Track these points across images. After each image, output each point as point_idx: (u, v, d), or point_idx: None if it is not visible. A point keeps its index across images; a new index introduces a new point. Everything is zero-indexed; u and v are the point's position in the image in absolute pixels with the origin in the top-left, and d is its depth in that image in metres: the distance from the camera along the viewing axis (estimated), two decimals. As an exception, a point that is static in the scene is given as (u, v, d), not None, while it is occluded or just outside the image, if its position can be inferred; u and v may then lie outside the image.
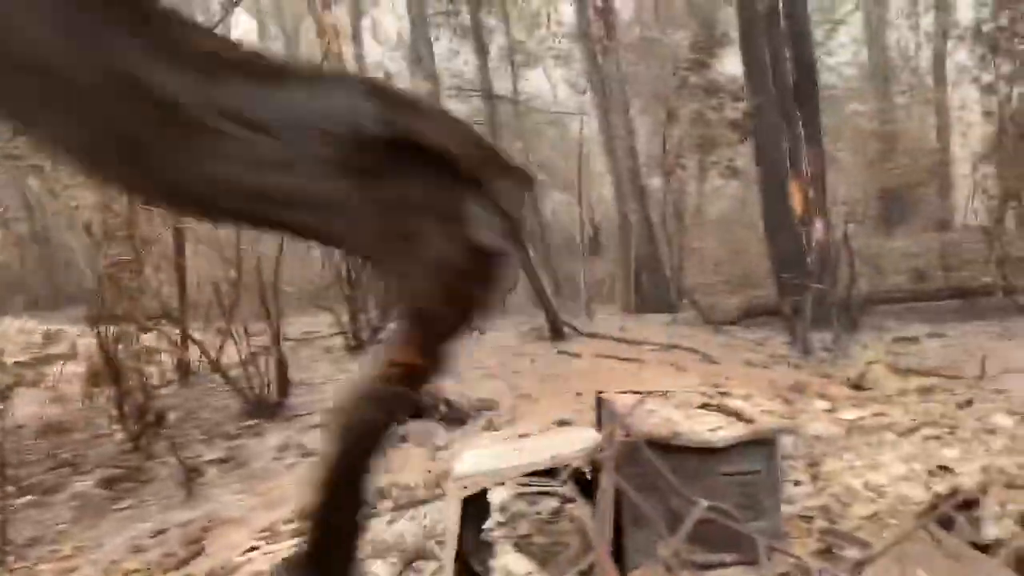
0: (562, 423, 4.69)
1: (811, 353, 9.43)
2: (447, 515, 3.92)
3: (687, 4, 15.45)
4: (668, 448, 3.96)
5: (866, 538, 3.82)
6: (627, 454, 3.95)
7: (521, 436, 4.39)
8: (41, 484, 6.54)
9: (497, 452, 3.98)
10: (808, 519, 4.33)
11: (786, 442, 5.46)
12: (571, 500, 4.13)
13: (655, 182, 15.30)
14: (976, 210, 12.52)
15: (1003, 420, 5.57)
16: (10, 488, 6.45)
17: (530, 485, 5.25)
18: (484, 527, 4.78)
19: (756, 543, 3.67)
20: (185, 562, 5.24)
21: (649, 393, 4.77)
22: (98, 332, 6.29)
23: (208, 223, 8.70)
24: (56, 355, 9.33)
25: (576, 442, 4.09)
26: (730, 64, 13.25)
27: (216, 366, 7.56)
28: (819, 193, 11.11)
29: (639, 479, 3.91)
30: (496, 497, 5.18)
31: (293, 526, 5.28)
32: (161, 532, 5.64)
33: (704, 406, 4.49)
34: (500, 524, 5.02)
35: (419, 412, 7.35)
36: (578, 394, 7.11)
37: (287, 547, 5.05)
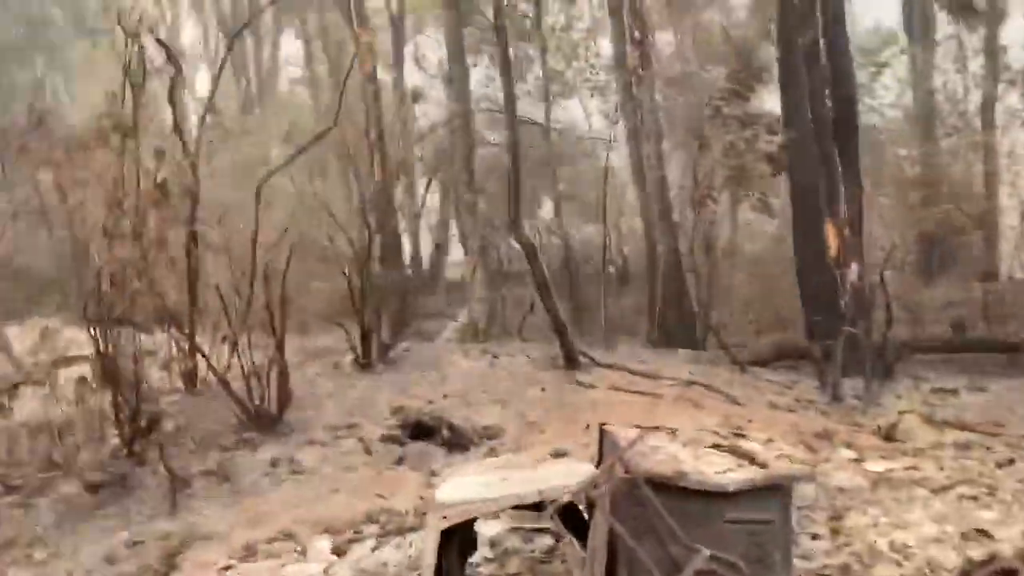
0: (558, 454, 4.36)
1: (841, 400, 8.95)
2: (425, 546, 3.60)
3: (727, 40, 15.19)
4: (670, 489, 3.60)
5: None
6: (625, 492, 3.60)
7: (512, 466, 4.05)
8: (28, 484, 6.34)
9: (484, 480, 3.65)
10: (824, 579, 3.94)
11: (806, 491, 5.06)
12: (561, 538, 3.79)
13: (686, 215, 14.96)
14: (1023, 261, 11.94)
15: (1047, 483, 5.10)
16: (-4, 487, 6.30)
17: (525, 519, 4.92)
18: (469, 561, 4.45)
19: (761, 602, 3.31)
20: (158, 576, 4.99)
21: (656, 428, 4.42)
22: (94, 332, 6.10)
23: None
24: (75, 356, 9.22)
25: (570, 475, 3.75)
26: (768, 99, 12.97)
27: (218, 375, 7.34)
28: (856, 234, 10.67)
29: (636, 521, 3.55)
30: (487, 530, 4.86)
31: (271, 546, 5.00)
32: (139, 543, 5.38)
33: (715, 446, 4.12)
34: (488, 560, 4.69)
35: (421, 434, 7.06)
36: (587, 426, 6.74)
37: (262, 568, 4.77)
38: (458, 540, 3.86)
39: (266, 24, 27.46)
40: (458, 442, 6.77)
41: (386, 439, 6.83)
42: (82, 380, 6.25)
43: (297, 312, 10.79)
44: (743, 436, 4.49)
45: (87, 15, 23.45)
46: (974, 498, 4.87)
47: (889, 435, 7.22)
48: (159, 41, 7.48)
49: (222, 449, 6.74)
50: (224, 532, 5.32)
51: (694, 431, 4.49)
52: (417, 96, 14.78)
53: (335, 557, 4.74)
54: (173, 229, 6.66)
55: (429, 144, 17.81)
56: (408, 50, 23.52)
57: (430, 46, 24.02)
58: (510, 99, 10.21)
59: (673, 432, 4.37)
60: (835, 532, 4.54)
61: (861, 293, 10.74)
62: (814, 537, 4.47)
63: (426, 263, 22.70)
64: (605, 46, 19.90)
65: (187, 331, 7.49)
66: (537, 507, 3.56)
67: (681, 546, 3.49)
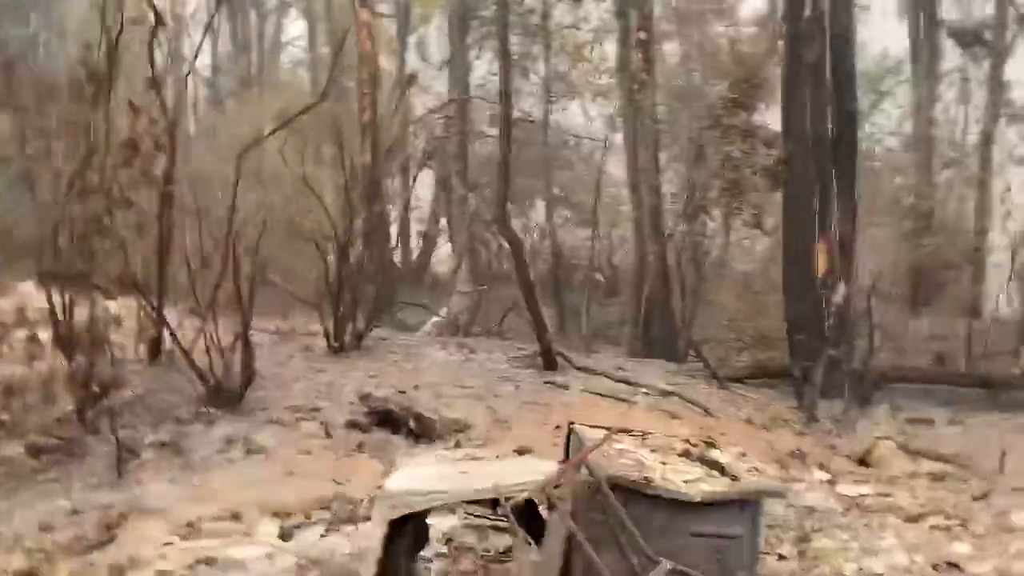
0: (522, 451, 4.15)
1: (817, 421, 8.80)
2: (371, 536, 3.39)
3: (733, 50, 15.04)
4: (635, 495, 3.41)
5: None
6: (586, 495, 3.40)
7: (473, 458, 3.85)
8: (-31, 443, 6.08)
9: (439, 472, 3.45)
10: (788, 602, 3.76)
11: (775, 509, 4.87)
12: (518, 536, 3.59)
13: (678, 227, 14.82)
14: (1011, 297, 11.83)
15: (1022, 520, 4.95)
16: (-61, 444, 6.02)
17: (483, 516, 4.71)
18: (420, 555, 4.24)
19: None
20: (92, 549, 4.72)
21: (626, 431, 4.23)
22: (48, 291, 5.83)
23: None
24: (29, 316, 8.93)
25: (530, 472, 3.55)
26: (768, 114, 12.81)
27: (181, 346, 7.08)
28: (846, 256, 10.53)
29: (596, 527, 3.35)
30: (441, 524, 4.64)
31: (215, 525, 4.76)
32: (78, 512, 5.13)
33: (685, 454, 3.93)
34: (440, 555, 4.48)
35: (388, 423, 6.83)
36: (557, 427, 6.55)
37: (202, 547, 4.53)
38: (410, 532, 3.65)
39: (271, 0, 27.17)
40: (424, 434, 6.55)
41: (349, 425, 6.60)
42: (32, 339, 5.97)
43: (278, 293, 10.56)
44: (714, 446, 4.30)
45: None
46: (947, 529, 4.72)
47: (863, 460, 7.08)
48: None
49: (178, 422, 6.48)
50: (168, 507, 5.07)
51: (664, 437, 4.30)
52: (413, 79, 14.52)
53: (280, 541, 4.51)
54: (145, 189, 6.37)
55: (424, 134, 17.56)
56: (412, 40, 23.30)
57: (435, 38, 23.83)
58: (506, 90, 10.00)
59: (643, 436, 4.18)
60: (802, 554, 4.37)
61: (846, 316, 10.61)
62: (780, 557, 4.29)
63: (414, 255, 22.45)
64: (610, 50, 19.77)
65: (153, 298, 7.21)
66: (494, 504, 3.36)
67: (642, 557, 3.29)
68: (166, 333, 7.65)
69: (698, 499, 3.37)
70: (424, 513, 3.66)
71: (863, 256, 12.26)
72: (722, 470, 3.70)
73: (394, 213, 18.72)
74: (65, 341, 6.09)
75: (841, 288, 10.67)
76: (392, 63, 22.04)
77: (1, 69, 5.74)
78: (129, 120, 5.75)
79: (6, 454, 5.87)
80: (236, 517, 4.87)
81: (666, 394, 8.39)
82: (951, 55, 17.94)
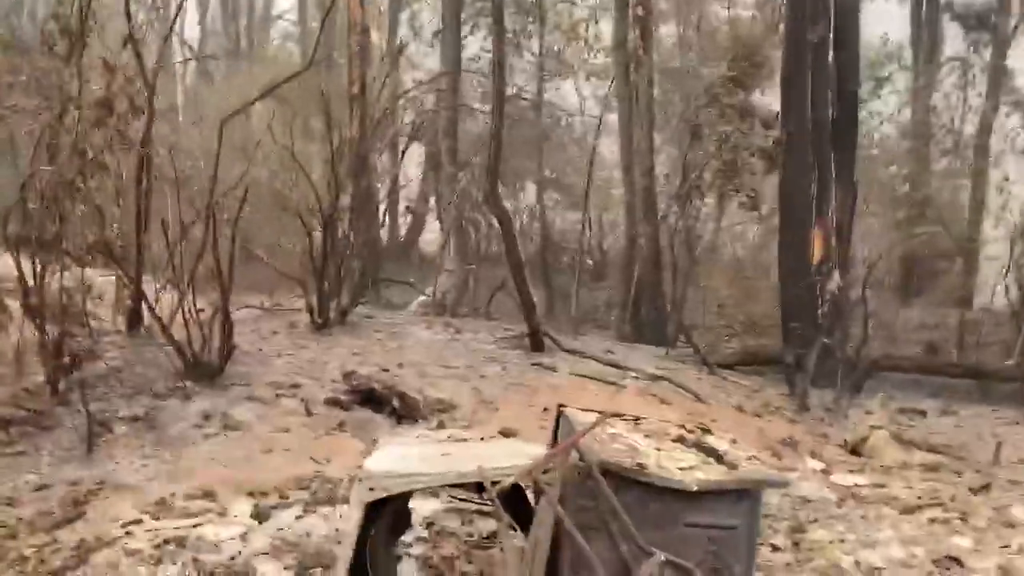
0: (507, 434, 3.96)
1: (808, 409, 8.68)
2: (347, 519, 3.20)
3: (732, 36, 14.78)
4: (627, 482, 3.22)
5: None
6: (576, 481, 3.22)
7: (456, 440, 3.65)
8: (-65, 414, 5.83)
9: (422, 453, 3.25)
10: (784, 595, 3.61)
11: (769, 498, 4.72)
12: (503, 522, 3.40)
13: (671, 210, 14.62)
14: (1008, 288, 11.72)
15: None
16: (-100, 413, 5.77)
17: (467, 500, 4.53)
18: (400, 540, 4.05)
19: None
20: (58, 525, 4.51)
21: (619, 415, 4.04)
22: (17, 257, 5.56)
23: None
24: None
25: (517, 456, 3.36)
26: (769, 94, 12.58)
27: (158, 318, 6.84)
28: (843, 243, 10.39)
29: (586, 514, 3.17)
30: (423, 507, 4.46)
31: (187, 504, 4.56)
32: (45, 487, 4.92)
33: (679, 440, 3.76)
34: (421, 540, 4.29)
35: (371, 402, 6.63)
36: (545, 409, 6.37)
37: (173, 526, 4.33)
38: (390, 516, 3.46)
39: (261, -29, 26.67)
40: (408, 414, 6.36)
41: (330, 403, 6.40)
42: (2, 307, 5.72)
43: (264, 269, 10.30)
44: (710, 432, 4.12)
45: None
46: (945, 522, 4.58)
47: (856, 450, 6.94)
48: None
49: (154, 396, 6.25)
50: (139, 484, 4.88)
51: (657, 421, 4.13)
52: (403, 48, 14.17)
53: (255, 522, 4.31)
54: (122, 154, 6.10)
55: (414, 108, 17.23)
56: (404, 16, 22.90)
57: (427, 14, 23.40)
58: (500, 62, 9.69)
59: (636, 421, 4.00)
60: (797, 545, 4.22)
61: (840, 304, 10.48)
62: (775, 549, 4.14)
63: (401, 232, 22.17)
64: (606, 29, 19.48)
65: (130, 268, 6.95)
66: (479, 488, 3.17)
67: (633, 546, 3.12)
68: (144, 305, 7.42)
69: (694, 488, 3.19)
70: (405, 496, 3.47)
71: (857, 245, 12.14)
72: (719, 458, 3.52)
73: (382, 190, 18.44)
74: (36, 309, 5.82)
75: (836, 276, 10.54)
76: (383, 37, 21.65)
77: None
78: (104, 79, 5.47)
79: (-28, 426, 5.64)
80: (209, 495, 4.67)
81: (655, 379, 8.23)
82: (952, 41, 17.76)
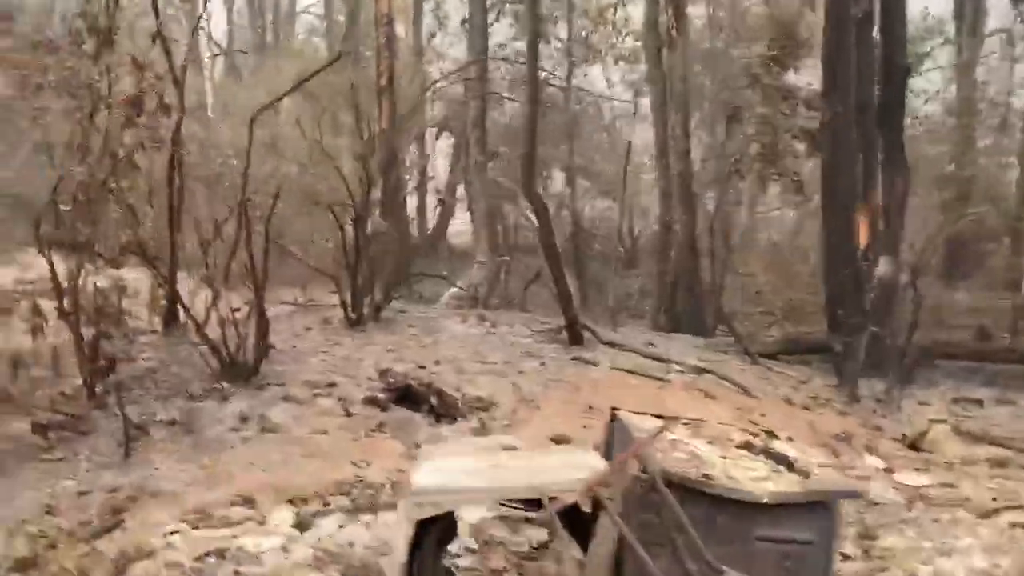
0: (559, 440, 3.75)
1: (858, 401, 8.37)
2: (396, 537, 3.03)
3: (768, 15, 14.34)
4: (693, 495, 3.02)
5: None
6: (639, 494, 3.02)
7: (505, 447, 3.46)
8: (-26, 419, 5.78)
9: (470, 465, 3.06)
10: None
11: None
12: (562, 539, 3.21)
13: (704, 195, 14.29)
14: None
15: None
16: (-57, 419, 5.72)
17: (515, 508, 4.33)
18: (447, 550, 3.88)
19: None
20: (98, 535, 4.41)
21: (676, 419, 3.83)
22: (50, 259, 5.48)
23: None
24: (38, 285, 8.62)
25: (573, 468, 3.16)
26: (807, 74, 12.17)
27: (193, 318, 6.74)
28: (892, 227, 10.00)
29: (650, 530, 2.97)
30: (469, 515, 4.28)
31: (227, 511, 4.43)
32: (84, 494, 4.82)
33: (745, 446, 3.53)
34: (469, 551, 4.12)
35: (408, 400, 6.47)
36: (589, 407, 6.17)
37: (213, 536, 4.21)
38: (438, 529, 3.29)
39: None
40: (446, 412, 6.19)
41: (368, 402, 6.25)
42: (35, 310, 5.64)
43: (296, 265, 10.19)
44: (775, 436, 3.89)
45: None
46: (1026, 527, 4.29)
47: (915, 444, 6.64)
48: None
49: (189, 398, 6.15)
50: (177, 490, 4.76)
51: (718, 425, 3.90)
52: (432, 35, 13.97)
53: (296, 532, 4.17)
54: (153, 152, 5.97)
55: (442, 99, 17.06)
56: (428, 6, 22.68)
57: (452, 3, 23.16)
58: (533, 48, 9.45)
59: (696, 425, 3.78)
60: (867, 553, 3.98)
61: (889, 290, 10.12)
62: (844, 557, 3.89)
63: (430, 224, 22.05)
64: (634, 13, 19.12)
65: (164, 267, 6.86)
66: (535, 503, 2.98)
67: (702, 563, 2.91)
68: (179, 304, 7.33)
69: (765, 500, 2.97)
70: (453, 507, 3.29)
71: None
72: (790, 466, 3.30)
73: (410, 182, 18.30)
74: (70, 312, 5.74)
75: (883, 260, 10.18)
76: (407, 29, 21.45)
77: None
78: (133, 77, 5.34)
79: (12, 430, 5.57)
80: (249, 502, 4.54)
81: (700, 371, 7.97)
82: (997, 12, 17.09)
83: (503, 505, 4.15)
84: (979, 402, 8.70)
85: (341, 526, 4.23)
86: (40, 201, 5.89)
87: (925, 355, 9.79)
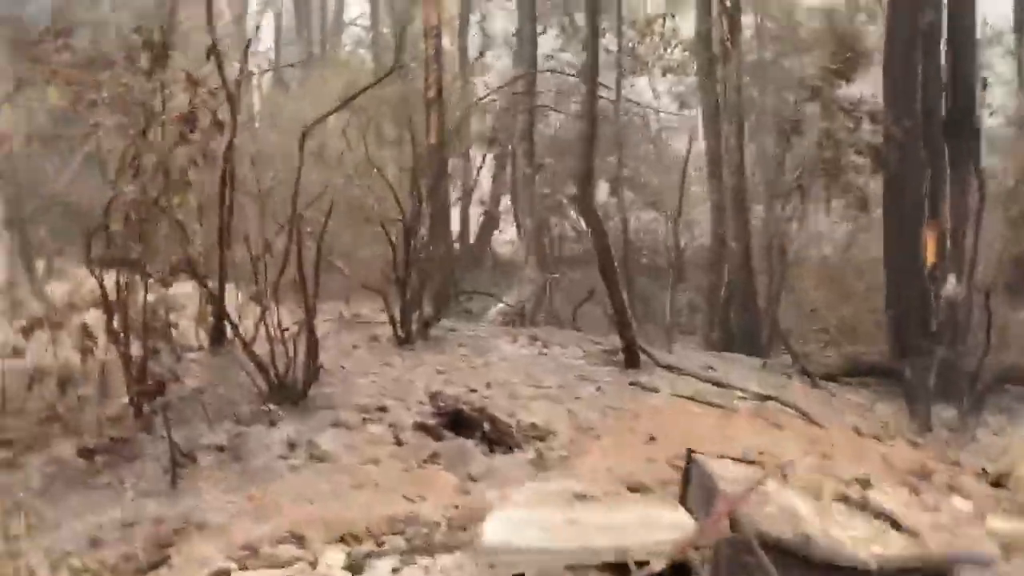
0: (634, 488, 3.47)
1: (930, 431, 7.93)
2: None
3: (825, 26, 13.89)
4: (790, 557, 2.73)
5: None
6: (732, 558, 2.74)
7: (579, 496, 3.19)
8: (22, 440, 5.68)
9: (544, 520, 2.81)
10: None
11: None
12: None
13: (755, 210, 13.87)
14: None
15: None
16: (-12, 440, 5.65)
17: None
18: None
19: None
20: (143, 572, 4.26)
21: (759, 463, 3.53)
22: (99, 277, 5.38)
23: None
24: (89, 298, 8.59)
25: (654, 525, 2.89)
26: (865, 86, 11.74)
27: (241, 338, 6.60)
28: (959, 245, 9.55)
29: (744, 597, 2.70)
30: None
31: (276, 550, 4.23)
32: (129, 525, 4.66)
33: (843, 498, 3.22)
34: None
35: (459, 426, 6.24)
36: (651, 438, 5.87)
37: (263, 576, 4.02)
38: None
39: (333, -21, 26.86)
40: (500, 440, 5.94)
41: (419, 428, 6.02)
42: (84, 329, 5.54)
43: (341, 278, 10.06)
44: (869, 483, 3.57)
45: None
46: None
47: (999, 481, 6.20)
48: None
49: (236, 421, 5.99)
50: (225, 524, 4.57)
51: (808, 471, 3.59)
52: (482, 53, 13.85)
53: (349, 575, 3.95)
54: (205, 169, 5.87)
55: (491, 111, 16.89)
56: (474, 18, 22.60)
57: (497, 16, 23.07)
58: (593, 64, 9.22)
59: (784, 471, 3.48)
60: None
61: (957, 310, 9.64)
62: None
63: (472, 238, 21.89)
64: (683, 25, 18.81)
65: (212, 285, 6.75)
66: (618, 567, 2.71)
67: (802, 636, 2.63)
68: (227, 323, 7.22)
69: (873, 566, 2.67)
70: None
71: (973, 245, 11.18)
72: (895, 524, 2.98)
73: (454, 193, 18.16)
74: (119, 331, 5.64)
75: (951, 279, 9.71)
76: (454, 41, 21.38)
77: (58, 34, 5.24)
78: (187, 93, 5.23)
79: (57, 453, 5.47)
80: (299, 539, 4.34)
81: (763, 398, 7.61)
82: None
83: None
84: (1060, 432, 8.20)
85: (395, 569, 3.99)
86: (92, 213, 5.84)
87: (1000, 379, 9.29)
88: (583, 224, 10.97)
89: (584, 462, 5.38)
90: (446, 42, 18.70)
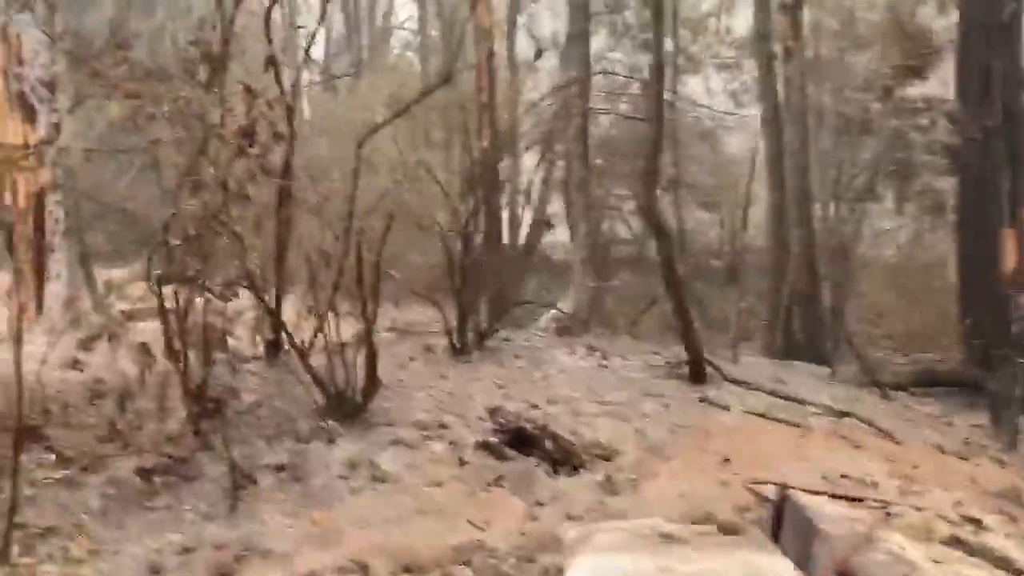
0: (727, 530, 3.23)
1: (1016, 448, 7.47)
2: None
3: (891, 21, 13.34)
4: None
5: None
6: (846, 616, 2.50)
7: (663, 536, 2.97)
8: (81, 458, 5.64)
9: (635, 569, 2.59)
10: None
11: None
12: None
13: (815, 212, 13.37)
14: None
15: None
16: (50, 456, 5.62)
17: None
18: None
19: None
20: (206, 605, 4.16)
21: (861, 501, 3.26)
22: (160, 293, 5.32)
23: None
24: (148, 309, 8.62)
25: (752, 571, 2.65)
26: (934, 85, 11.23)
27: (299, 352, 6.50)
28: (1041, 249, 9.02)
29: (860, 660, 2.45)
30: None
31: (340, 580, 4.08)
32: (189, 550, 4.57)
33: (954, 541, 2.94)
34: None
35: (521, 444, 6.03)
36: (725, 460, 5.59)
37: (327, 611, 3.87)
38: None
39: (382, -17, 26.94)
40: (564, 460, 5.73)
41: (480, 447, 5.84)
42: (143, 346, 5.49)
43: (390, 283, 9.95)
44: (978, 522, 3.26)
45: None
46: None
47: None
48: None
49: (296, 439, 5.88)
50: (287, 550, 4.45)
51: (910, 509, 3.30)
52: (540, 53, 13.64)
53: (416, 611, 3.79)
54: (263, 183, 5.78)
55: (537, 115, 16.66)
56: (521, 20, 22.39)
57: (546, 17, 22.84)
58: (659, 67, 8.95)
59: (887, 510, 3.20)
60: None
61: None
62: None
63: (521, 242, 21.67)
64: (737, 23, 18.39)
65: (269, 298, 6.68)
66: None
67: None
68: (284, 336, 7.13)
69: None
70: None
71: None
72: (1018, 573, 2.69)
73: (504, 198, 17.95)
74: (177, 347, 5.58)
75: (1031, 286, 9.17)
76: (503, 44, 21.20)
77: (117, 47, 5.20)
78: (245, 105, 5.14)
79: (116, 474, 5.40)
80: (363, 568, 4.18)
81: (839, 414, 7.24)
82: None
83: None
84: None
85: (466, 606, 3.82)
86: (148, 221, 5.80)
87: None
88: (642, 227, 10.64)
89: (654, 485, 5.14)
90: (496, 44, 18.57)
